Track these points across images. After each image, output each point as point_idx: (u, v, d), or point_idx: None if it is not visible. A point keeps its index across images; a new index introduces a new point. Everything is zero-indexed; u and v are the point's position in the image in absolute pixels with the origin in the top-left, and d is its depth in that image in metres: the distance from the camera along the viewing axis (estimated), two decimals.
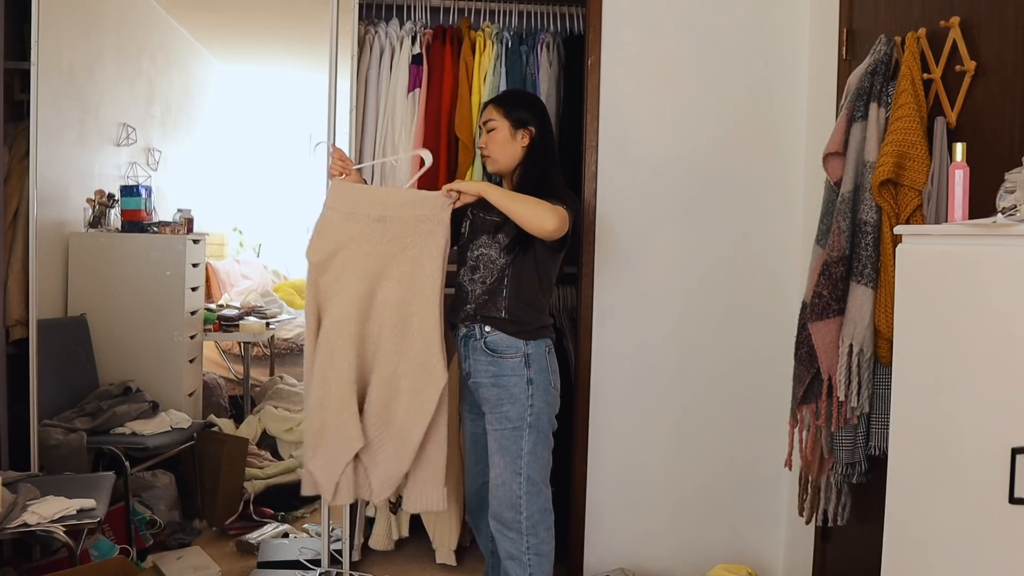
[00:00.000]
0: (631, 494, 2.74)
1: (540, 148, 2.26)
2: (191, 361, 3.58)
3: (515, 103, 2.30)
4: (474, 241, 2.24)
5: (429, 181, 2.63)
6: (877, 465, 1.96)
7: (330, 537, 2.76)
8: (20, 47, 2.70)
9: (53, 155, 2.99)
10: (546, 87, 2.91)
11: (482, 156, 2.32)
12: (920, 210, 1.85)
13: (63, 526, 2.10)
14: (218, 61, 5.73)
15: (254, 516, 3.21)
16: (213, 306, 4.48)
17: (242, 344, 4.42)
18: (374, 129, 2.91)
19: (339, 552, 2.74)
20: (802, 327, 2.09)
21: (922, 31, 1.91)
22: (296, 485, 3.48)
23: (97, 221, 3.33)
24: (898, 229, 1.61)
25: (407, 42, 2.91)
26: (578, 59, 2.87)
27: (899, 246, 1.55)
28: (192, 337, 3.59)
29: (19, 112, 2.75)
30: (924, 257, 1.47)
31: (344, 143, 2.65)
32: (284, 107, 6.63)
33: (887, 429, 1.74)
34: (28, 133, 2.64)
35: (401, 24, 2.95)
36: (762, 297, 2.71)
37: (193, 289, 3.58)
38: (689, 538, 2.76)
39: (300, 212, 6.43)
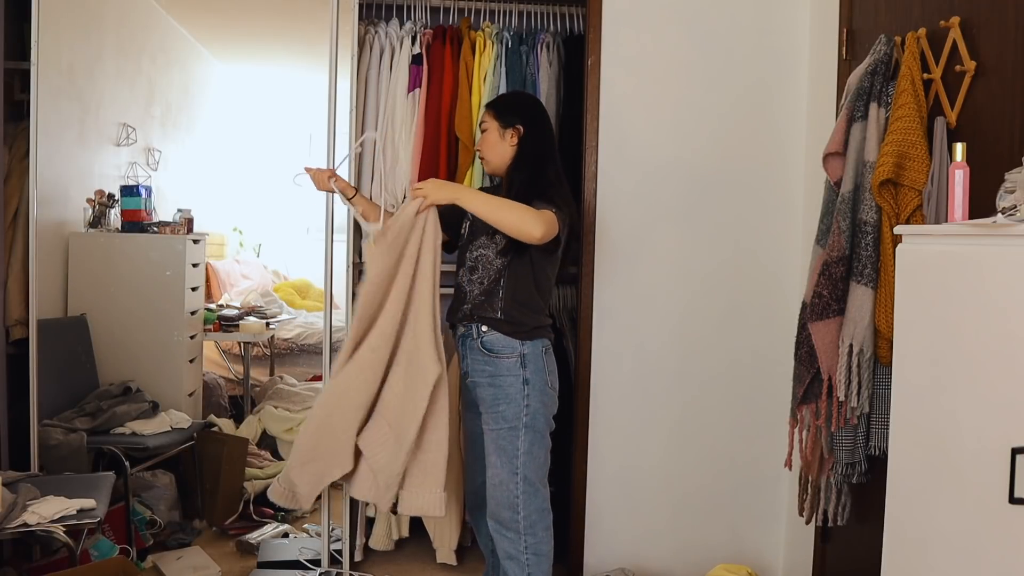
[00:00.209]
0: (631, 494, 2.74)
1: (530, 147, 2.26)
2: (191, 361, 3.58)
3: (505, 103, 2.35)
4: (473, 242, 2.25)
5: None
6: (877, 465, 1.96)
7: (330, 537, 2.76)
8: (20, 47, 2.70)
9: (53, 155, 2.99)
10: (546, 87, 2.91)
11: (480, 158, 2.35)
12: (920, 210, 1.85)
13: (63, 526, 2.10)
14: (218, 61, 5.73)
15: (254, 516, 3.21)
16: (213, 306, 4.48)
17: (242, 344, 4.42)
18: (374, 129, 2.91)
19: (339, 552, 2.74)
20: (802, 327, 2.09)
21: (922, 31, 1.91)
22: None
23: (97, 221, 3.33)
24: (898, 229, 1.61)
25: (407, 42, 2.91)
26: (578, 59, 2.87)
27: (899, 246, 1.55)
28: (192, 337, 3.59)
29: (19, 112, 2.75)
30: (924, 257, 1.47)
31: (344, 143, 2.65)
32: (284, 107, 6.63)
33: (887, 429, 1.74)
34: (28, 133, 2.64)
35: (401, 24, 2.95)
36: (762, 297, 2.71)
37: (193, 289, 3.58)
38: (689, 538, 2.76)
39: (300, 212, 6.44)
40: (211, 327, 4.05)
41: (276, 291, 5.57)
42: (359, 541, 2.88)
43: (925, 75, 1.89)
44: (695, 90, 2.68)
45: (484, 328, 2.19)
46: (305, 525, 3.25)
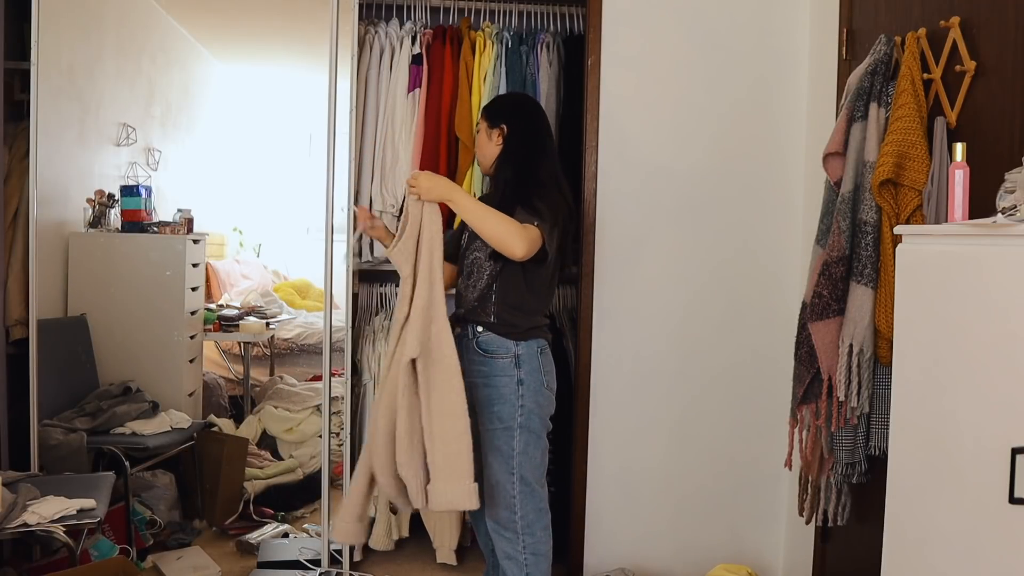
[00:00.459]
0: (631, 494, 2.74)
1: (515, 145, 2.25)
2: (191, 361, 3.58)
3: (493, 104, 2.38)
4: (470, 246, 2.26)
5: None
6: (877, 465, 1.96)
7: (330, 537, 2.76)
8: (20, 47, 2.70)
9: (53, 155, 2.99)
10: (546, 87, 2.91)
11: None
12: (920, 210, 1.85)
13: (63, 526, 2.10)
14: (218, 61, 5.72)
15: (254, 516, 3.21)
16: (213, 306, 4.47)
17: (242, 344, 4.42)
18: (374, 129, 2.91)
19: (339, 552, 2.74)
20: (802, 327, 2.09)
21: (922, 31, 1.91)
22: (296, 485, 3.49)
23: (97, 221, 3.33)
24: (898, 229, 1.61)
25: (407, 42, 2.92)
26: (578, 59, 2.87)
27: (899, 246, 1.55)
28: (192, 337, 3.59)
29: (19, 112, 2.75)
30: (924, 257, 1.47)
31: (344, 143, 2.65)
32: (284, 107, 6.62)
33: (887, 429, 1.74)
34: (28, 133, 2.64)
35: (401, 24, 2.95)
36: (762, 297, 2.71)
37: (193, 289, 3.58)
38: (689, 538, 2.76)
39: (300, 212, 6.44)
40: (211, 327, 4.05)
41: (276, 291, 5.57)
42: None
43: (925, 75, 1.89)
44: (695, 90, 2.68)
45: (479, 329, 2.19)
46: (305, 525, 3.25)
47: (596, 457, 2.72)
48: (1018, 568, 1.19)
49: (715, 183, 2.69)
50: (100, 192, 3.36)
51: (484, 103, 2.64)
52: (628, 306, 2.70)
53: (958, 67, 1.80)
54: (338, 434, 3.31)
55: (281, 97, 6.58)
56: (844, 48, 2.38)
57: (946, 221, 1.64)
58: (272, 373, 4.79)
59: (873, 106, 1.95)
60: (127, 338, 3.32)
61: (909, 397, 1.48)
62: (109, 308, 3.27)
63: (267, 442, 3.86)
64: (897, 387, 1.52)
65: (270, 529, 3.10)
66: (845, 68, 2.35)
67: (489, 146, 2.28)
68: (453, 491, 2.06)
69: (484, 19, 3.03)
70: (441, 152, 2.87)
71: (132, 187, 3.52)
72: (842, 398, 1.94)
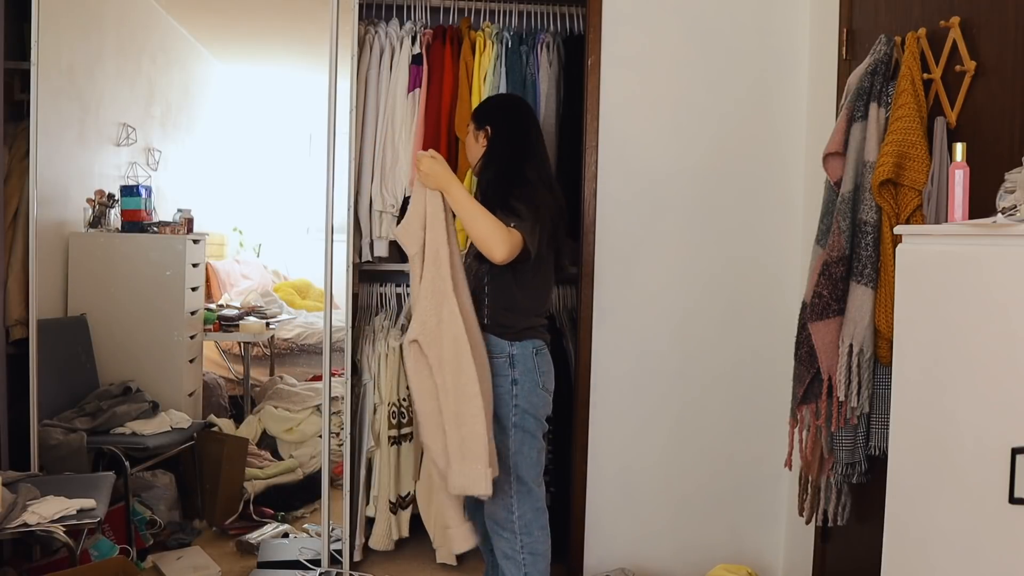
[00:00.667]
0: (631, 494, 2.74)
1: (499, 146, 2.27)
2: (191, 361, 3.58)
3: (481, 106, 2.40)
4: (468, 249, 2.28)
5: None
6: (877, 465, 1.96)
7: (330, 537, 2.76)
8: (20, 47, 2.70)
9: (53, 155, 2.99)
10: (546, 87, 2.91)
11: None
12: (920, 210, 1.85)
13: (63, 526, 2.10)
14: (218, 61, 5.72)
15: (254, 516, 3.21)
16: (213, 306, 4.47)
17: (242, 344, 4.42)
18: (374, 129, 2.91)
19: (339, 552, 2.74)
20: (802, 327, 2.09)
21: (922, 31, 1.91)
22: (296, 485, 3.49)
23: (97, 221, 3.33)
24: (898, 229, 1.61)
25: (407, 42, 2.92)
26: (578, 59, 2.86)
27: (899, 246, 1.55)
28: (192, 337, 3.59)
29: (19, 112, 2.75)
30: (924, 257, 1.47)
31: (344, 143, 2.65)
32: (284, 107, 6.63)
33: (887, 429, 1.74)
34: (28, 133, 2.64)
35: (401, 24, 2.95)
36: (762, 297, 2.71)
37: (193, 289, 3.58)
38: (689, 538, 2.76)
39: (300, 212, 6.44)
40: (211, 327, 4.05)
41: (276, 291, 5.57)
42: (359, 541, 2.88)
43: (925, 75, 1.89)
44: (695, 90, 2.68)
45: None
46: (305, 525, 3.25)
47: (596, 457, 2.72)
48: (1018, 568, 1.19)
49: (715, 183, 2.69)
50: (100, 192, 3.36)
51: None
52: (628, 306, 2.70)
53: (958, 67, 1.80)
54: (338, 434, 3.31)
55: (281, 97, 6.58)
56: (844, 48, 2.38)
57: (946, 221, 1.64)
58: (272, 373, 4.79)
59: (873, 106, 1.95)
60: (127, 338, 3.32)
61: (909, 397, 1.48)
62: (109, 308, 3.27)
63: (267, 442, 3.86)
64: (897, 387, 1.52)
65: (270, 529, 3.10)
66: (845, 68, 2.35)
67: (475, 148, 2.32)
68: (466, 474, 2.05)
69: (484, 19, 3.03)
70: (441, 152, 2.87)
71: (132, 187, 3.52)
72: (842, 398, 1.94)
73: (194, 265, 3.57)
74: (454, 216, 2.17)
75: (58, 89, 3.09)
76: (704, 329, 2.72)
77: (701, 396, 2.73)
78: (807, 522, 2.25)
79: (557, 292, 3.12)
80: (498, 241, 2.03)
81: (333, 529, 2.80)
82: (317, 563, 2.75)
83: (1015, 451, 1.17)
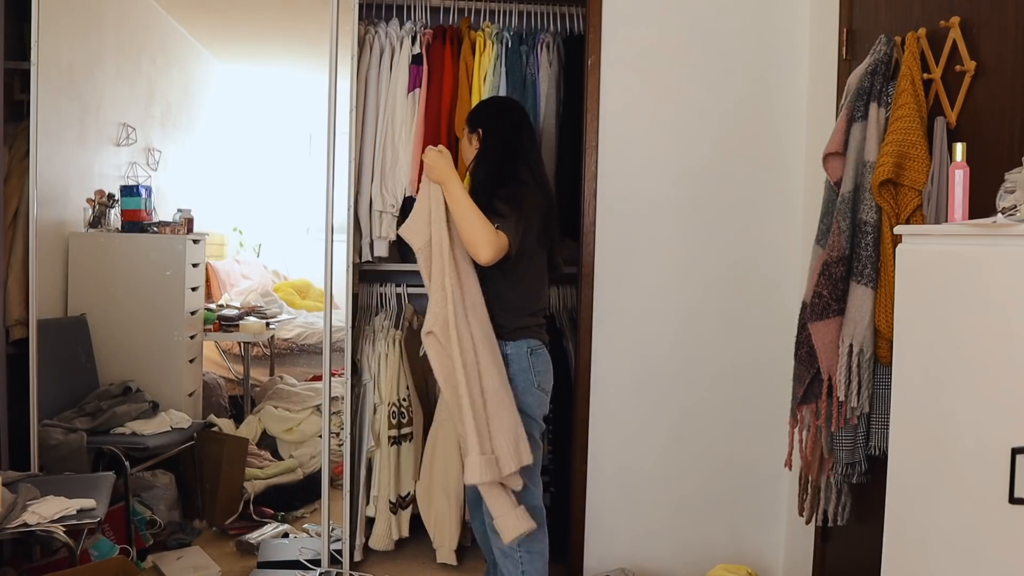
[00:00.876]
0: (631, 494, 2.74)
1: (490, 148, 2.30)
2: (191, 361, 3.58)
3: (474, 109, 2.43)
4: None
5: None
6: (877, 465, 1.96)
7: (330, 537, 2.76)
8: (20, 47, 2.70)
9: (53, 155, 2.99)
10: (546, 87, 2.91)
11: None
12: (920, 210, 1.85)
13: (63, 526, 2.10)
14: (218, 61, 5.72)
15: (254, 516, 3.21)
16: (213, 306, 4.47)
17: (242, 344, 4.42)
18: (374, 129, 2.91)
19: (339, 552, 2.74)
20: (802, 327, 2.09)
21: (922, 31, 1.91)
22: (296, 485, 3.49)
23: (97, 221, 3.33)
24: (898, 229, 1.61)
25: (407, 42, 2.91)
26: (578, 59, 2.87)
27: (899, 246, 1.55)
28: (192, 337, 3.59)
29: (19, 112, 2.75)
30: (924, 257, 1.47)
31: (344, 143, 2.65)
32: (284, 107, 6.63)
33: (887, 429, 1.74)
34: (28, 133, 2.64)
35: (401, 24, 2.95)
36: (762, 297, 2.71)
37: (193, 289, 3.58)
38: (689, 538, 2.76)
39: (300, 212, 6.44)
40: (211, 327, 4.05)
41: (276, 291, 5.56)
42: (359, 541, 2.88)
43: (925, 75, 1.89)
44: (695, 90, 2.68)
45: None
46: (305, 525, 3.25)
47: (596, 457, 2.72)
48: (1018, 568, 1.19)
49: (715, 183, 2.69)
50: (100, 192, 3.36)
51: None
52: (628, 306, 2.70)
53: (958, 67, 1.80)
54: (338, 434, 3.31)
55: (281, 97, 6.58)
56: (844, 48, 2.38)
57: (946, 221, 1.64)
58: (272, 373, 4.79)
59: (873, 106, 1.95)
60: (127, 338, 3.32)
61: (909, 397, 1.48)
62: (109, 308, 3.27)
63: (267, 442, 3.86)
64: (897, 387, 1.52)
65: (270, 529, 3.10)
66: (845, 68, 2.35)
67: (469, 150, 2.35)
68: (467, 464, 2.11)
69: (484, 19, 3.03)
70: None
71: (132, 187, 3.52)
72: (842, 398, 1.94)
73: (194, 265, 3.57)
74: None
75: (58, 89, 3.09)
76: (704, 329, 2.72)
77: (701, 396, 2.73)
78: (807, 522, 2.25)
79: (557, 292, 3.12)
80: (484, 243, 2.06)
81: (333, 529, 2.80)
82: (317, 563, 2.75)
83: (1015, 451, 1.17)
